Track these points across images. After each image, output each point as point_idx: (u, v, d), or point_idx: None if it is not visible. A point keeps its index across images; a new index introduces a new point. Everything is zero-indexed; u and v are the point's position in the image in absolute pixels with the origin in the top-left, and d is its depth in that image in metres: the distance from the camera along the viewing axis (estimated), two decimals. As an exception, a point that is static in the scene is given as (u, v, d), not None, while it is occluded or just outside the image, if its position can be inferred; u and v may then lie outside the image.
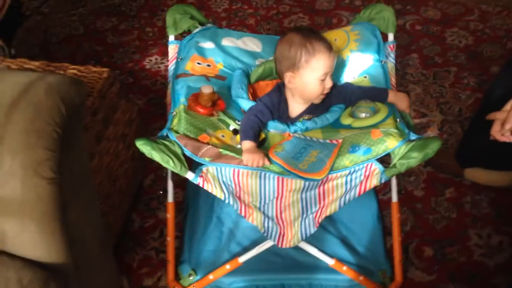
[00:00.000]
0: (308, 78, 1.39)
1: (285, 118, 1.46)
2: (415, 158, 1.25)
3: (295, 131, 1.43)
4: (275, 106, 1.44)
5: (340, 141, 1.36)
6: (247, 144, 1.34)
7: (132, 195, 1.84)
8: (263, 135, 1.42)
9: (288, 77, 1.41)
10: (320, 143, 1.38)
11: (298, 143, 1.38)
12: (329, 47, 1.39)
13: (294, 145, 1.37)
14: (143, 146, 1.27)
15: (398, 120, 1.39)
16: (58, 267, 1.16)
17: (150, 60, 2.51)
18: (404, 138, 1.32)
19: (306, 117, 1.46)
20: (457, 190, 1.89)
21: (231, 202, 1.35)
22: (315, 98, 1.44)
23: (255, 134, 1.37)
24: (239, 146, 1.37)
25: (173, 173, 1.40)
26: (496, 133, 1.30)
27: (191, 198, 1.83)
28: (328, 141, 1.38)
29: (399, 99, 1.45)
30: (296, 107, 1.47)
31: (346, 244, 1.67)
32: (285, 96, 1.46)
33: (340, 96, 1.47)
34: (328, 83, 1.41)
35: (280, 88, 1.47)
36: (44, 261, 1.15)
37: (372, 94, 1.47)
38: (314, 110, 1.47)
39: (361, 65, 1.58)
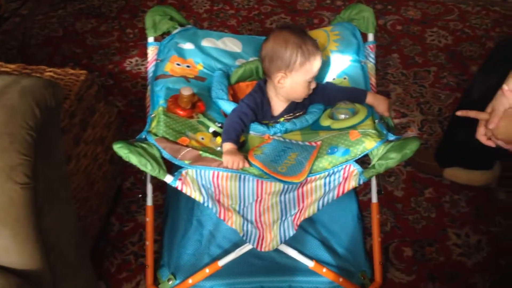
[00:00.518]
0: (299, 80, 1.40)
1: (268, 117, 1.46)
2: (394, 159, 1.25)
3: (275, 133, 1.43)
4: (259, 106, 1.44)
5: (319, 143, 1.36)
6: (228, 146, 1.33)
7: (111, 199, 1.82)
8: (242, 138, 1.42)
9: (278, 77, 1.41)
10: (299, 145, 1.38)
11: (277, 146, 1.37)
12: (319, 51, 1.41)
13: (273, 148, 1.37)
14: (120, 149, 1.26)
15: (376, 121, 1.40)
16: (33, 273, 1.15)
17: (131, 62, 2.49)
18: (382, 138, 1.32)
19: (287, 116, 1.47)
20: (437, 190, 1.90)
21: (210, 205, 1.34)
22: (300, 99, 1.45)
23: (237, 136, 1.37)
24: (219, 148, 1.36)
25: (152, 176, 1.38)
26: (481, 136, 1.31)
27: (171, 201, 1.82)
28: (307, 143, 1.38)
29: (378, 102, 1.44)
30: (278, 105, 1.47)
31: (326, 245, 1.67)
32: (267, 95, 1.46)
33: (320, 95, 1.48)
34: (313, 85, 1.43)
35: (261, 88, 1.47)
36: (17, 268, 1.13)
37: (351, 95, 1.47)
38: (295, 108, 1.48)
39: (340, 66, 1.58)
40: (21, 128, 1.10)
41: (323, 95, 1.48)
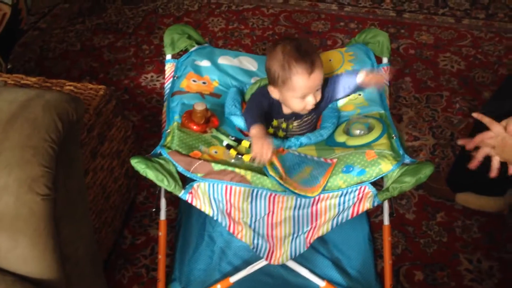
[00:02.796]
0: (286, 95, 1.41)
1: (281, 114, 1.47)
2: (408, 183, 1.26)
3: (289, 147, 1.43)
4: (266, 97, 1.45)
5: (334, 161, 1.36)
6: (256, 129, 1.33)
7: (125, 212, 1.84)
8: None
9: (270, 89, 1.44)
10: (314, 160, 1.38)
11: (292, 158, 1.38)
12: (309, 69, 1.35)
13: (288, 160, 1.38)
14: (137, 164, 1.28)
15: (394, 136, 1.40)
16: (49, 283, 1.16)
17: (146, 77, 2.52)
18: (398, 161, 1.33)
19: (297, 122, 1.48)
20: (448, 214, 1.90)
21: (220, 219, 1.35)
22: (299, 111, 1.46)
23: (261, 116, 1.38)
24: (233, 160, 1.37)
25: (166, 190, 1.40)
26: (467, 142, 1.31)
27: (183, 216, 1.83)
28: (322, 159, 1.39)
29: (371, 76, 1.42)
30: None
31: (337, 266, 1.67)
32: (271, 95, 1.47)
33: (327, 89, 1.48)
34: (310, 101, 1.41)
35: (264, 88, 1.48)
36: (35, 277, 1.14)
37: (345, 80, 1.47)
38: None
39: None
40: (44, 141, 1.13)
41: (327, 89, 1.48)
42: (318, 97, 1.43)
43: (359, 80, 1.44)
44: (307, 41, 1.45)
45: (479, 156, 1.31)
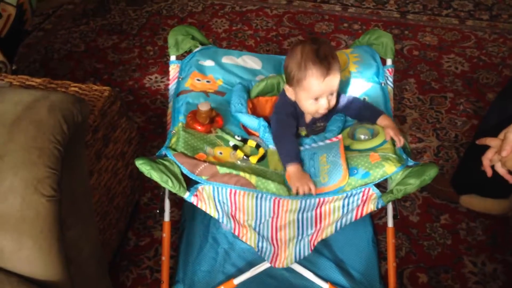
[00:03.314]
0: (301, 96, 1.42)
1: (303, 123, 1.48)
2: (412, 185, 1.26)
3: None
4: (294, 107, 1.45)
5: (340, 136, 1.39)
6: (294, 168, 1.32)
7: (129, 213, 1.84)
8: (262, 151, 1.42)
9: (286, 88, 1.45)
10: (322, 146, 1.39)
11: (304, 155, 1.38)
12: (325, 72, 1.36)
13: (302, 158, 1.38)
14: (142, 165, 1.28)
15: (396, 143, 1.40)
16: (54, 284, 1.16)
17: (150, 79, 2.53)
18: (402, 164, 1.33)
19: (319, 126, 1.49)
20: (452, 216, 1.90)
21: (225, 222, 1.35)
22: (313, 114, 1.46)
23: (297, 153, 1.36)
24: (239, 162, 1.37)
25: (170, 192, 1.40)
26: (485, 159, 1.31)
27: (187, 218, 1.83)
28: (328, 141, 1.40)
29: (388, 126, 1.42)
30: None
31: (341, 268, 1.67)
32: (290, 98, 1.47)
33: (346, 107, 1.49)
34: (323, 104, 1.41)
35: (284, 92, 1.48)
36: (40, 279, 1.15)
37: (367, 112, 1.48)
38: (321, 117, 1.48)
39: (361, 86, 1.59)
40: (49, 143, 1.13)
41: (349, 108, 1.49)
42: (333, 102, 1.43)
43: (378, 122, 1.45)
44: (328, 44, 1.44)
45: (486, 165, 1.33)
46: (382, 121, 1.44)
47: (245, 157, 1.37)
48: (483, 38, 2.76)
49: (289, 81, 1.43)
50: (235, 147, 1.40)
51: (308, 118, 1.49)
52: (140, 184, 1.90)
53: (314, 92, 1.39)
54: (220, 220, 1.34)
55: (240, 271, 1.60)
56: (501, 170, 1.28)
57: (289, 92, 1.45)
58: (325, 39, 1.46)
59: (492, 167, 1.33)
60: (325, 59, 1.37)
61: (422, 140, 2.19)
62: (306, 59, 1.37)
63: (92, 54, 2.69)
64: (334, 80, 1.39)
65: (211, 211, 1.33)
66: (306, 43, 1.41)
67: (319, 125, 1.50)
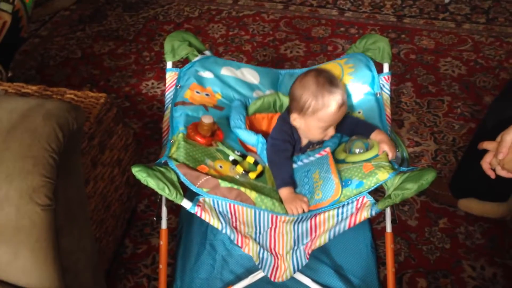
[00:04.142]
0: (312, 125, 1.42)
1: (297, 149, 1.48)
2: (410, 189, 1.25)
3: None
4: (291, 136, 1.46)
5: (327, 149, 1.41)
6: (286, 191, 1.35)
7: (126, 221, 1.83)
8: (260, 168, 1.43)
9: (293, 117, 1.44)
10: (313, 162, 1.41)
11: (298, 172, 1.40)
12: (340, 102, 1.39)
13: (297, 175, 1.40)
14: (138, 172, 1.27)
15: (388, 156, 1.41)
16: (50, 295, 1.15)
17: (147, 85, 2.52)
18: (395, 170, 1.33)
19: (316, 146, 1.48)
20: (451, 220, 1.89)
21: (228, 232, 1.34)
22: (316, 140, 1.47)
23: (291, 177, 1.39)
24: (238, 176, 1.37)
25: (167, 199, 1.39)
26: (485, 163, 1.31)
27: (185, 225, 1.82)
28: (317, 155, 1.42)
29: (382, 141, 1.43)
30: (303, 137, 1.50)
31: (339, 274, 1.67)
32: (292, 124, 1.47)
33: (341, 124, 1.49)
34: (330, 132, 1.44)
35: (286, 120, 1.48)
36: (36, 289, 1.14)
37: (362, 128, 1.48)
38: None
39: (355, 99, 1.59)
40: (45, 151, 1.12)
41: (343, 125, 1.49)
42: (334, 131, 1.46)
43: (372, 137, 1.45)
44: (333, 75, 1.45)
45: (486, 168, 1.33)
46: (376, 136, 1.45)
47: (244, 172, 1.38)
48: (479, 41, 2.76)
49: (301, 111, 1.41)
50: (235, 162, 1.41)
51: (304, 142, 1.50)
52: (137, 191, 1.89)
53: (328, 122, 1.41)
54: (224, 231, 1.34)
55: (239, 278, 1.60)
56: (503, 173, 1.28)
57: (297, 121, 1.44)
58: (327, 70, 1.47)
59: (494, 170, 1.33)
60: (340, 90, 1.40)
61: (420, 144, 2.19)
62: (322, 89, 1.38)
63: (89, 61, 2.68)
64: (345, 110, 1.42)
65: (214, 222, 1.33)
66: (316, 73, 1.41)
67: (315, 146, 1.51)
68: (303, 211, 1.32)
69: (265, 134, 1.52)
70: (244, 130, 1.48)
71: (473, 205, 1.87)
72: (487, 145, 1.32)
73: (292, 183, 1.38)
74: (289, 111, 1.47)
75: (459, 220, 1.89)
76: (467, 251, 1.80)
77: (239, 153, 1.44)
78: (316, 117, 1.40)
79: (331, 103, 1.38)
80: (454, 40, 2.78)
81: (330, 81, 1.40)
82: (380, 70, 1.65)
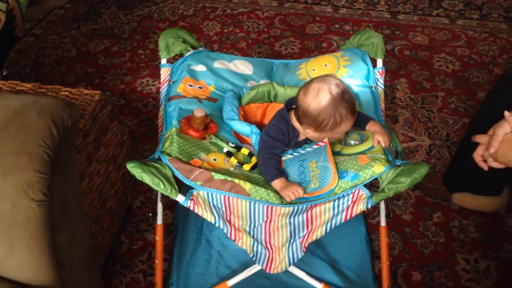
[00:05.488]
0: (324, 136, 1.42)
1: (292, 144, 1.48)
2: (403, 183, 1.26)
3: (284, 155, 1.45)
4: (286, 135, 1.45)
5: (326, 140, 1.41)
6: (279, 183, 1.35)
7: (121, 217, 1.84)
8: (255, 159, 1.43)
9: (307, 130, 1.42)
10: (309, 152, 1.41)
11: (293, 163, 1.40)
12: (353, 117, 1.39)
13: (291, 167, 1.39)
14: (133, 168, 1.27)
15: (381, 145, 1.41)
16: (46, 290, 1.16)
17: (142, 82, 2.52)
18: (391, 163, 1.34)
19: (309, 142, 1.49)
20: (445, 214, 1.91)
21: (221, 226, 1.35)
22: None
23: (277, 169, 1.38)
24: (232, 168, 1.37)
25: (162, 195, 1.40)
26: (477, 155, 1.32)
27: (180, 221, 1.83)
28: (315, 146, 1.42)
29: (377, 132, 1.44)
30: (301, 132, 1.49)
31: (334, 268, 1.68)
32: (292, 123, 1.46)
33: None
34: (342, 136, 1.45)
35: (284, 117, 1.47)
36: (32, 284, 1.14)
37: (357, 120, 1.48)
38: None
39: (351, 91, 1.60)
40: (39, 147, 1.12)
41: None
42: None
43: (367, 128, 1.47)
44: (342, 83, 1.42)
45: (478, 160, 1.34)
46: (371, 127, 1.46)
47: (238, 164, 1.38)
48: (473, 37, 2.77)
49: (318, 127, 1.39)
50: (229, 154, 1.41)
51: (301, 138, 1.49)
52: (132, 187, 1.89)
53: (341, 133, 1.42)
54: (217, 225, 1.34)
55: (234, 273, 1.60)
56: (495, 164, 1.29)
57: (310, 134, 1.43)
58: (336, 77, 1.46)
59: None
60: (353, 104, 1.40)
61: (414, 139, 2.20)
62: (340, 109, 1.36)
63: (83, 59, 2.68)
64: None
65: (207, 216, 1.33)
66: (328, 88, 1.37)
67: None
68: (300, 195, 1.31)
69: (259, 124, 1.52)
70: (237, 121, 1.48)
71: (467, 199, 1.88)
72: (479, 138, 1.33)
73: (281, 174, 1.37)
74: (298, 121, 1.44)
75: (453, 214, 1.91)
76: (461, 245, 1.81)
77: (233, 145, 1.44)
78: (333, 132, 1.40)
79: (348, 117, 1.38)
80: (448, 36, 2.79)
81: (343, 94, 1.38)
82: (374, 65, 1.66)
